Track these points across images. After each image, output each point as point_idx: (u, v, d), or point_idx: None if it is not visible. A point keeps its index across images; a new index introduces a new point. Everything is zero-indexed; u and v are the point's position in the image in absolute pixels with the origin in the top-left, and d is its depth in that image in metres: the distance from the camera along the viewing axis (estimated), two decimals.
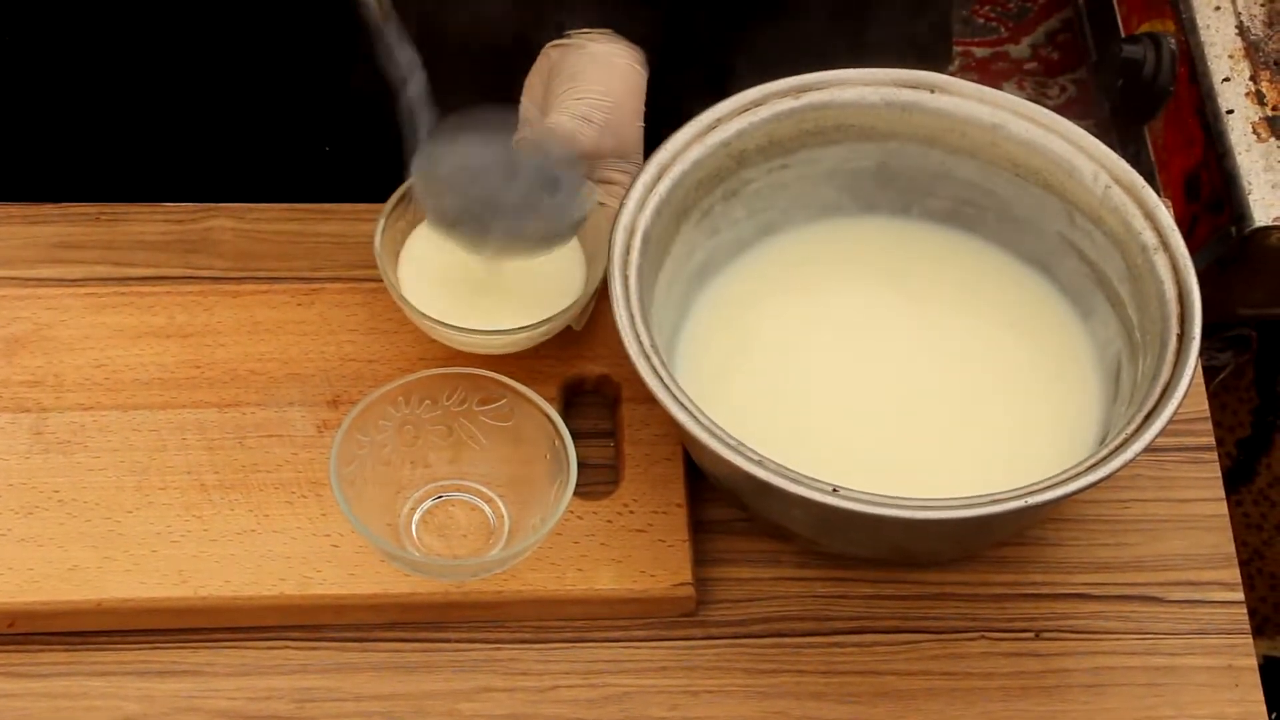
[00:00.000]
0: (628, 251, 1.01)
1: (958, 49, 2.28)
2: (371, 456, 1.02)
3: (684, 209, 1.06)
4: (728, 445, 0.94)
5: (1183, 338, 0.99)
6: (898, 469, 1.03)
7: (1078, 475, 0.94)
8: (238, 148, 1.23)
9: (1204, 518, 1.08)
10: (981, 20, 2.34)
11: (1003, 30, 2.33)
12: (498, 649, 1.02)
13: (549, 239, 1.04)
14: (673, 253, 1.06)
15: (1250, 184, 1.78)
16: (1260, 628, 1.80)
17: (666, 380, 0.96)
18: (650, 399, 0.96)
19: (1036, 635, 1.04)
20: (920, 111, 1.08)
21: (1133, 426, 0.96)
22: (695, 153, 1.05)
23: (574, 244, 1.08)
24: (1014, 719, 1.01)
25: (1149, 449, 0.95)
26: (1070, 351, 1.08)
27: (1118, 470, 0.94)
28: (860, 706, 1.01)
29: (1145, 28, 2.01)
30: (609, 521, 1.04)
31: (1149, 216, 1.03)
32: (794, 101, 1.07)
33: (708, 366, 1.06)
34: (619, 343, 0.98)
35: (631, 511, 1.04)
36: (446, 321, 1.04)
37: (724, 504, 1.06)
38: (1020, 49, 2.31)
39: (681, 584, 1.02)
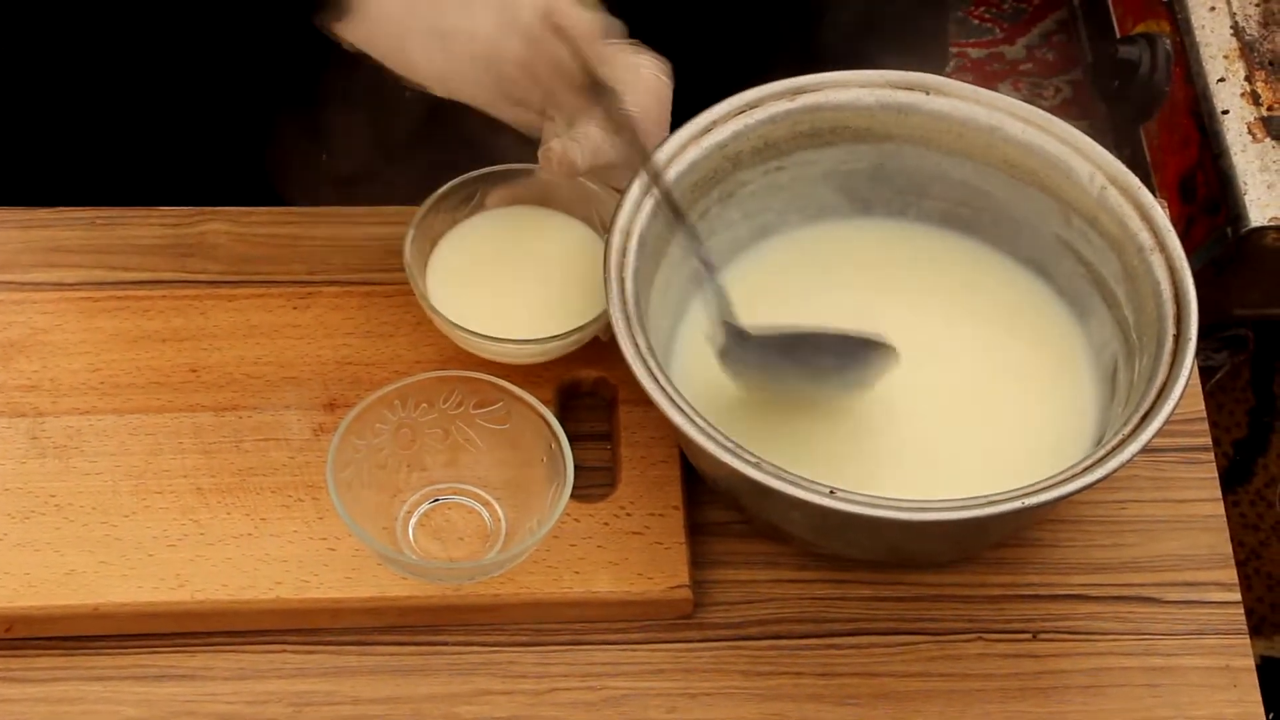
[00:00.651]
0: (624, 254, 1.01)
1: (953, 50, 2.28)
2: (368, 460, 1.02)
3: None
4: (724, 447, 0.94)
5: (1179, 338, 0.99)
6: (894, 471, 1.03)
7: (1075, 476, 0.94)
8: (232, 151, 1.23)
9: (1201, 518, 1.08)
10: (977, 21, 2.34)
11: (998, 31, 2.33)
12: (495, 652, 1.02)
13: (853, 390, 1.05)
14: (669, 255, 1.06)
15: (1246, 184, 1.78)
16: (1257, 628, 1.80)
17: (663, 383, 0.96)
18: (647, 401, 0.96)
19: (1034, 636, 1.04)
20: (916, 113, 1.08)
21: (1129, 427, 0.96)
22: (691, 155, 1.05)
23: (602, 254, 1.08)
24: None
25: (1146, 450, 0.95)
26: (1067, 352, 1.08)
27: (1114, 471, 0.94)
28: (858, 708, 1.01)
29: (1140, 28, 2.01)
30: (606, 524, 1.04)
31: (1145, 217, 1.03)
32: (789, 103, 1.07)
33: (704, 368, 1.06)
34: (615, 345, 0.98)
35: (629, 514, 1.04)
36: (477, 331, 1.04)
37: (721, 506, 1.06)
38: (1016, 50, 2.31)
39: (679, 586, 1.02)
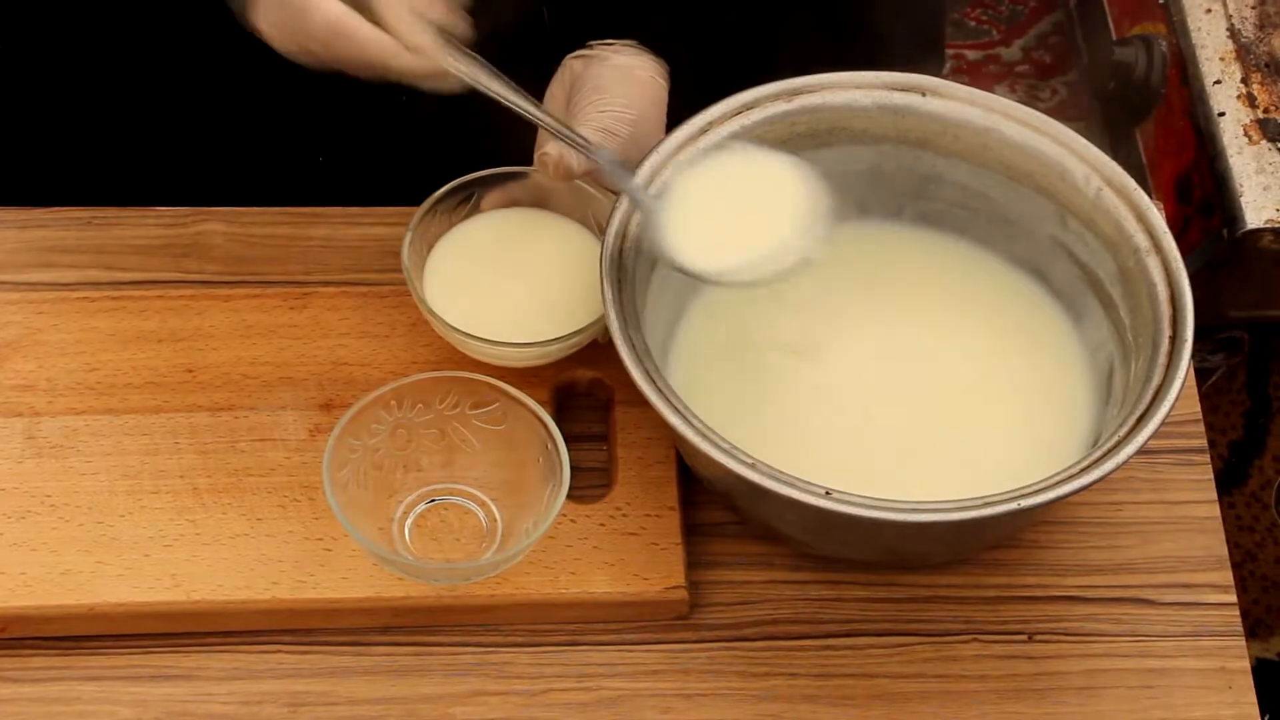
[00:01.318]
0: (619, 255, 1.01)
1: (949, 52, 2.28)
2: (364, 460, 1.02)
3: None
4: (720, 448, 0.94)
5: (1175, 340, 0.99)
6: (890, 472, 1.03)
7: (1070, 478, 0.94)
8: (229, 151, 1.22)
9: (1196, 520, 1.08)
10: (973, 23, 2.34)
11: (994, 33, 2.33)
12: (491, 652, 1.02)
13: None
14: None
15: (1242, 186, 1.78)
16: (1253, 630, 1.80)
17: (659, 383, 0.96)
18: (643, 402, 0.96)
19: (1029, 638, 1.04)
20: (912, 115, 1.08)
21: (1125, 429, 0.96)
22: (686, 155, 1.05)
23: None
24: None
25: (1141, 451, 0.95)
26: (1062, 354, 1.08)
27: (1110, 473, 0.94)
28: (853, 709, 1.01)
29: (1136, 30, 2.01)
30: (602, 525, 1.04)
31: (1141, 219, 1.03)
32: (786, 104, 1.07)
33: (700, 370, 1.06)
34: (611, 345, 0.98)
35: (624, 515, 1.04)
36: (476, 334, 1.04)
37: (717, 507, 1.06)
38: (1012, 52, 2.32)
39: (674, 587, 1.02)
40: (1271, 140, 1.80)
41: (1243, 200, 1.77)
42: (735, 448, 0.94)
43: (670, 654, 1.02)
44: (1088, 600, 1.05)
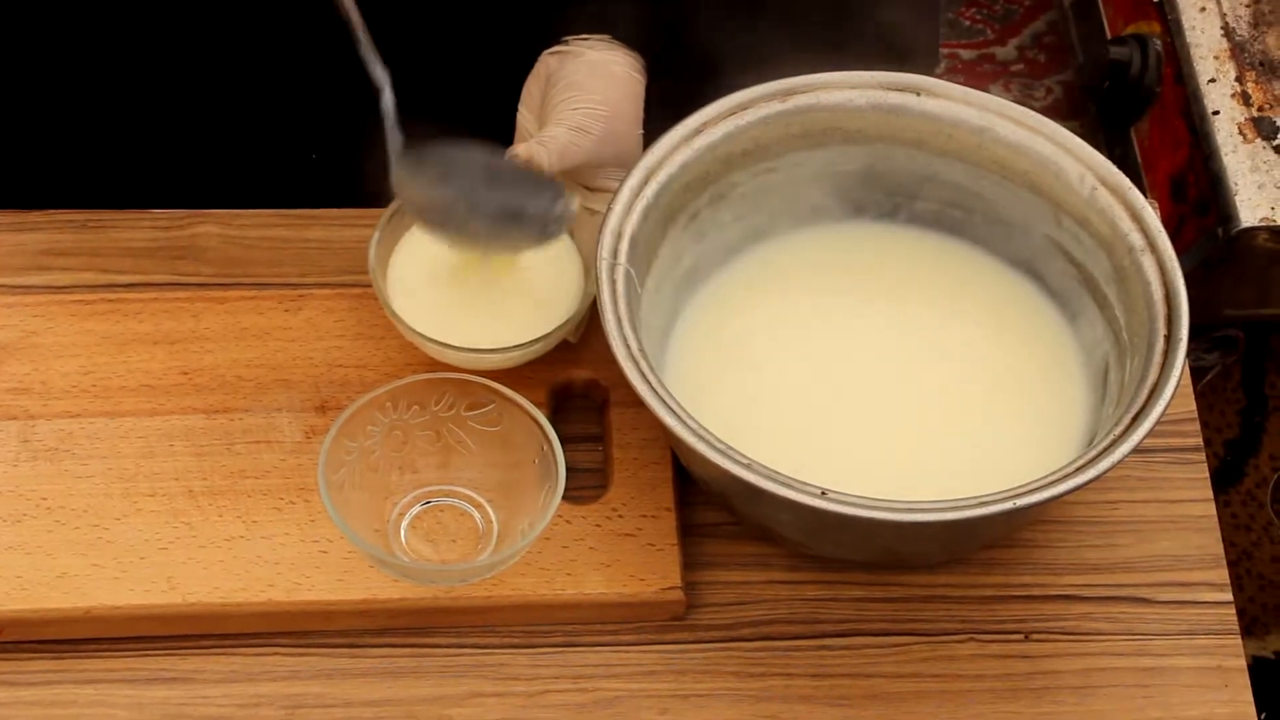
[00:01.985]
0: (615, 255, 1.01)
1: (944, 51, 2.28)
2: (360, 462, 1.02)
3: (671, 213, 1.06)
4: (716, 449, 0.94)
5: (1170, 339, 0.99)
6: (886, 472, 1.03)
7: (1066, 477, 0.94)
8: (224, 154, 1.22)
9: (1192, 518, 1.08)
10: (968, 22, 2.34)
11: (989, 32, 2.33)
12: (487, 654, 1.02)
13: (527, 237, 1.03)
14: (660, 257, 1.06)
15: (1236, 185, 1.78)
16: (1249, 628, 1.80)
17: (655, 384, 0.96)
18: (638, 403, 0.96)
19: (1026, 637, 1.04)
20: (907, 114, 1.08)
21: (1121, 428, 0.96)
22: (682, 156, 1.05)
23: (569, 257, 1.07)
24: None
25: (1137, 450, 0.95)
26: (1058, 353, 1.08)
27: (1106, 471, 0.94)
28: (850, 709, 1.01)
29: (1131, 29, 2.01)
30: (598, 526, 1.04)
31: (1136, 218, 1.03)
32: (780, 105, 1.07)
33: (696, 370, 1.06)
34: (607, 347, 0.98)
35: (620, 516, 1.04)
36: (437, 339, 1.04)
37: (713, 508, 1.06)
38: (1006, 51, 2.32)
39: (670, 588, 1.02)
40: (1266, 139, 1.80)
41: (1237, 199, 1.77)
42: (731, 448, 0.94)
43: (667, 655, 1.02)
44: (1084, 599, 1.05)
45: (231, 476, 1.04)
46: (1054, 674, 1.03)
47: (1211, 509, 1.08)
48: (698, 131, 1.06)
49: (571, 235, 1.07)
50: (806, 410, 1.05)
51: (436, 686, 1.01)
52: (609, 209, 1.02)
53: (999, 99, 1.07)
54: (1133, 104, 1.99)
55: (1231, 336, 1.90)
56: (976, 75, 2.28)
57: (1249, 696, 1.02)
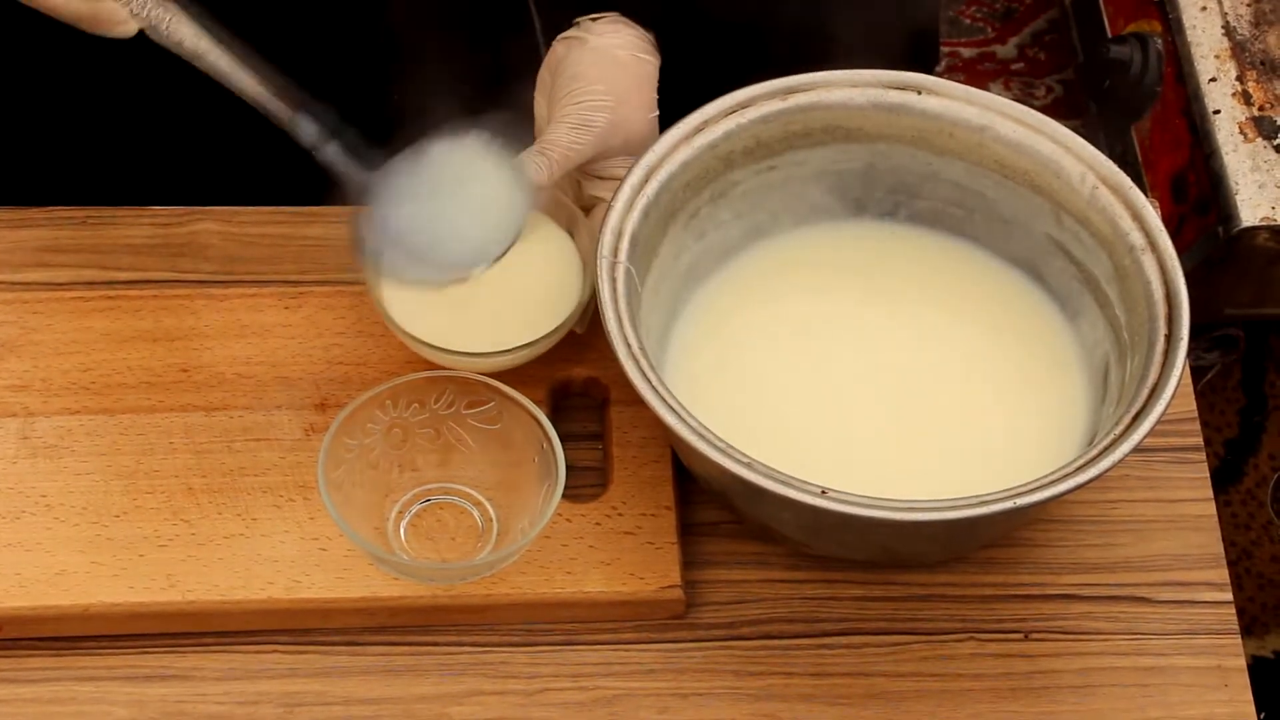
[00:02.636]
0: (615, 253, 1.01)
1: (944, 50, 2.28)
2: (359, 460, 1.02)
3: (671, 211, 1.06)
4: (716, 448, 0.94)
5: (1170, 338, 0.99)
6: (886, 471, 1.03)
7: (1066, 476, 0.94)
8: (223, 151, 1.22)
9: (1192, 518, 1.08)
10: (968, 21, 2.34)
11: (989, 31, 2.33)
12: (487, 652, 1.02)
13: (504, 243, 1.02)
14: (661, 255, 1.06)
15: (1237, 184, 1.78)
16: (1249, 628, 1.80)
17: (655, 383, 0.96)
18: (638, 401, 0.96)
19: (1025, 636, 1.04)
20: (907, 113, 1.08)
21: (1121, 427, 0.96)
22: (682, 154, 1.05)
23: (568, 251, 1.07)
24: None
25: (1137, 449, 0.95)
26: (1058, 353, 1.08)
27: (1106, 471, 0.94)
28: (849, 708, 1.01)
29: (1132, 28, 2.01)
30: (598, 524, 1.04)
31: (1136, 217, 1.03)
32: (781, 103, 1.07)
33: (696, 369, 1.06)
34: (607, 345, 0.98)
35: (620, 514, 1.04)
36: (436, 344, 1.04)
37: (713, 506, 1.06)
38: (1007, 49, 2.32)
39: (670, 586, 1.02)
40: (1267, 138, 1.80)
41: (1238, 198, 1.77)
42: (731, 446, 0.94)
43: (666, 653, 1.02)
44: (1084, 599, 1.05)
45: (231, 474, 1.04)
46: (1053, 673, 1.03)
47: (1211, 508, 1.08)
48: (698, 129, 1.06)
49: (572, 233, 1.07)
50: (807, 409, 1.05)
51: (436, 684, 1.01)
52: (609, 207, 1.02)
53: (1000, 98, 1.07)
54: (1133, 103, 1.99)
55: (1232, 336, 1.90)
56: (977, 74, 2.27)
57: (1249, 696, 1.02)
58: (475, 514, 1.04)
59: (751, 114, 1.07)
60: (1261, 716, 1.03)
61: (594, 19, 1.06)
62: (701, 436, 0.95)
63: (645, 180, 1.03)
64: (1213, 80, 1.85)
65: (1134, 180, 1.04)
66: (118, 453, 1.05)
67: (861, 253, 1.11)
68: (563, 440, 1.00)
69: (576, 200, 1.09)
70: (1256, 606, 1.82)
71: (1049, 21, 2.33)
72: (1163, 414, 0.96)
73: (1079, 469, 0.94)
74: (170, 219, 1.16)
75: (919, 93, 1.07)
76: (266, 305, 1.10)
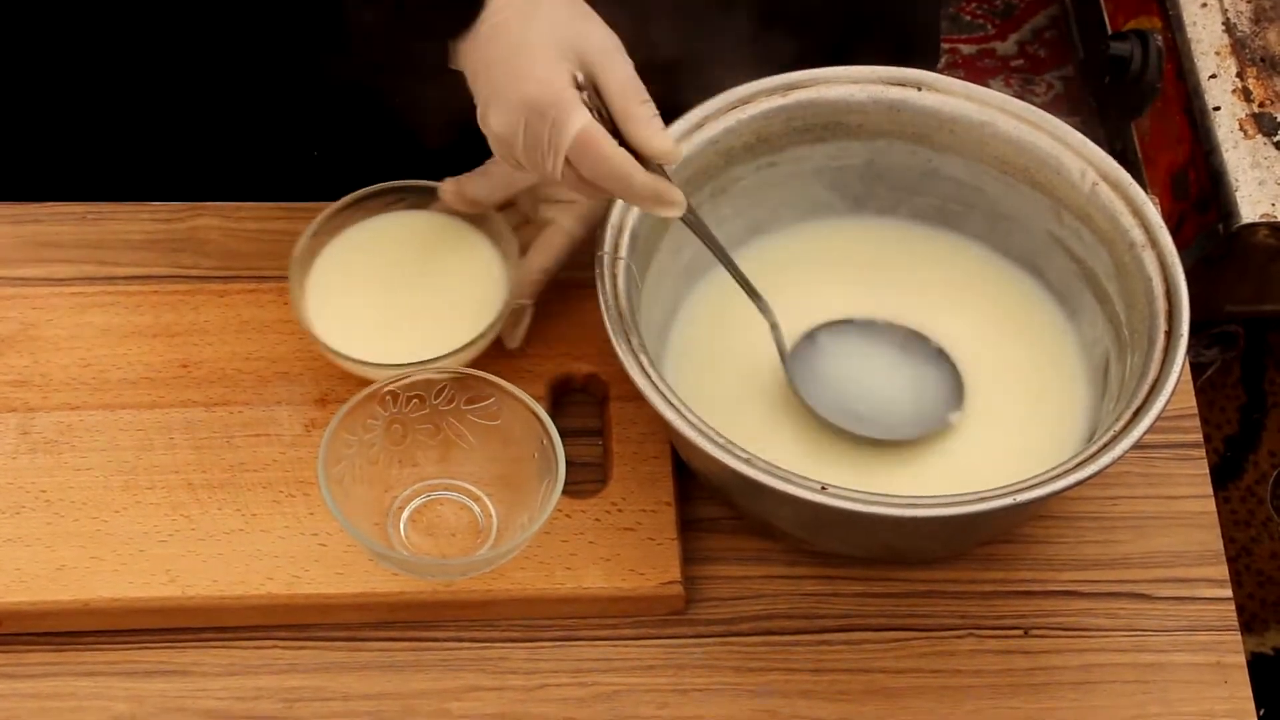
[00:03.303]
0: (616, 249, 1.01)
1: (945, 46, 2.28)
2: (359, 456, 1.02)
3: None
4: (716, 443, 0.94)
5: (1170, 335, 0.99)
6: (886, 467, 1.03)
7: (1066, 472, 0.94)
8: (224, 147, 1.22)
9: (1192, 514, 1.08)
10: (968, 17, 2.34)
11: (990, 27, 2.33)
12: (486, 648, 1.02)
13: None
14: (661, 251, 1.05)
15: (1237, 181, 1.78)
16: (1248, 624, 1.80)
17: (655, 378, 0.96)
18: (638, 397, 0.96)
19: (1025, 633, 1.04)
20: (908, 109, 1.08)
21: (1121, 423, 0.96)
22: (683, 151, 1.05)
23: (492, 264, 1.07)
24: (1003, 716, 1.01)
25: (1137, 446, 0.95)
26: (1058, 349, 1.08)
27: (1106, 467, 0.94)
28: (849, 704, 1.01)
29: (1132, 25, 2.01)
30: (597, 520, 1.04)
31: (1136, 213, 1.03)
32: (782, 99, 1.07)
33: (696, 365, 1.06)
34: (607, 341, 0.98)
35: (620, 510, 1.04)
36: (352, 355, 1.03)
37: (713, 502, 1.06)
38: (1007, 46, 2.31)
39: (670, 582, 1.02)
40: (1267, 135, 1.80)
41: (1238, 195, 1.77)
42: (731, 443, 0.94)
43: (666, 649, 1.02)
44: (1083, 595, 1.05)
45: (231, 470, 1.04)
46: (1053, 670, 1.03)
47: (1211, 505, 1.08)
48: (698, 125, 1.06)
49: (498, 245, 1.07)
50: (806, 405, 1.05)
51: (435, 680, 1.01)
52: (609, 205, 1.02)
53: (1000, 94, 1.07)
54: (1134, 99, 1.99)
55: (1231, 333, 1.90)
56: (977, 70, 2.27)
57: (1248, 693, 1.02)
58: (475, 510, 1.04)
59: (752, 110, 1.07)
60: (1261, 713, 1.03)
61: None
62: (701, 432, 0.95)
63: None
64: (1213, 77, 1.85)
65: (1134, 177, 1.04)
66: (118, 448, 1.05)
67: (862, 249, 1.11)
68: (563, 436, 1.00)
69: (533, 220, 1.09)
70: (1256, 603, 1.82)
71: (1049, 18, 2.33)
72: (1162, 410, 0.96)
73: (1079, 465, 0.94)
74: (170, 215, 1.16)
75: (919, 89, 1.07)
76: (267, 301, 1.10)
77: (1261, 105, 1.82)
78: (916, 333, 1.08)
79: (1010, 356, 1.08)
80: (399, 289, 1.07)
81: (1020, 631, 1.04)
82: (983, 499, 0.93)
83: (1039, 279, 1.10)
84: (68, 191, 1.17)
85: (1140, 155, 1.98)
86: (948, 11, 2.30)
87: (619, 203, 1.02)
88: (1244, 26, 1.88)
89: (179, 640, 1.01)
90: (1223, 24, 1.88)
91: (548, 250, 1.07)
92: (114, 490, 1.04)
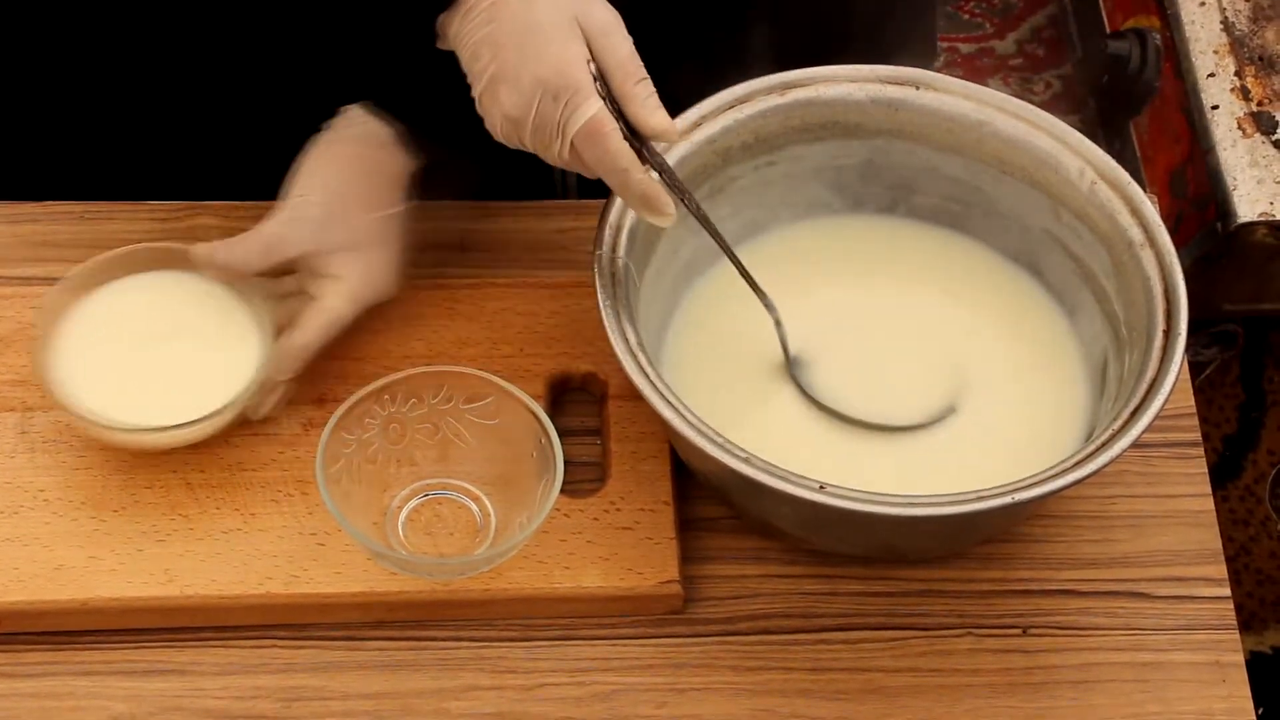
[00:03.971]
0: (614, 248, 1.01)
1: (943, 45, 2.28)
2: (358, 455, 1.02)
3: None
4: (714, 443, 0.94)
5: (1169, 333, 0.99)
6: (885, 466, 1.03)
7: (1064, 471, 0.94)
8: (222, 147, 1.22)
9: (1191, 513, 1.08)
10: (967, 16, 2.34)
11: (988, 26, 2.33)
12: (485, 647, 1.02)
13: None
14: (659, 249, 1.05)
15: (1235, 180, 1.78)
16: (1247, 623, 1.80)
17: (653, 378, 0.96)
18: (637, 396, 0.96)
19: (1024, 632, 1.04)
20: (906, 108, 1.07)
21: (1119, 422, 0.96)
22: (681, 149, 1.05)
23: (249, 332, 1.05)
24: (1001, 715, 1.01)
25: (1135, 445, 0.95)
26: (1056, 347, 1.08)
27: (1104, 466, 0.94)
28: (847, 703, 1.01)
29: (1130, 23, 2.01)
30: (596, 519, 1.03)
31: (1135, 212, 1.03)
32: (780, 98, 1.07)
33: (694, 364, 1.06)
34: (605, 340, 0.98)
35: (618, 509, 1.04)
36: (84, 413, 1.01)
37: (711, 501, 1.06)
38: (1006, 45, 2.31)
39: (668, 581, 1.02)
40: (1265, 134, 1.80)
41: (1236, 194, 1.77)
42: (730, 442, 0.94)
43: (664, 648, 1.02)
44: (1082, 594, 1.05)
45: (229, 469, 1.04)
46: (1052, 669, 1.03)
47: (1210, 504, 1.08)
48: (696, 124, 1.06)
49: (251, 311, 1.05)
50: (805, 404, 1.05)
51: (434, 679, 1.01)
52: (608, 202, 1.02)
53: (998, 93, 1.07)
54: (1132, 98, 1.99)
55: (1230, 331, 1.90)
56: (975, 69, 2.27)
57: (1247, 691, 1.02)
58: (473, 509, 1.04)
59: (750, 109, 1.07)
60: (1259, 712, 1.03)
61: (351, 109, 1.06)
62: (699, 432, 0.95)
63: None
64: (1211, 76, 1.85)
65: (1132, 176, 1.04)
66: (116, 447, 1.05)
67: (860, 248, 1.11)
68: (561, 435, 1.00)
69: (304, 292, 1.06)
70: (1255, 602, 1.82)
71: (1047, 17, 2.33)
72: (1161, 409, 0.96)
73: (1077, 464, 0.94)
74: (168, 214, 1.16)
75: (917, 88, 1.07)
76: None
77: (1260, 104, 1.82)
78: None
79: (1008, 355, 1.08)
80: (145, 351, 1.04)
81: (1019, 630, 1.04)
82: (981, 498, 0.93)
83: (1037, 277, 1.10)
84: (66, 191, 1.17)
85: (1138, 154, 1.98)
86: (945, 10, 2.30)
87: (618, 202, 1.02)
88: (1242, 25, 1.88)
89: (177, 639, 1.01)
90: (1221, 23, 1.88)
91: (311, 328, 1.04)
92: (112, 490, 1.04)
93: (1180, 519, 1.08)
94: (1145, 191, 1.04)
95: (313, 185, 1.05)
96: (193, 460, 1.04)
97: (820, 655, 1.02)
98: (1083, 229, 1.06)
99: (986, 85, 1.08)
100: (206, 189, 1.17)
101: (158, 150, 1.23)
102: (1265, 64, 1.85)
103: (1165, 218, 1.03)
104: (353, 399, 1.01)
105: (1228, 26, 1.88)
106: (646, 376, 0.96)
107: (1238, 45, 1.86)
